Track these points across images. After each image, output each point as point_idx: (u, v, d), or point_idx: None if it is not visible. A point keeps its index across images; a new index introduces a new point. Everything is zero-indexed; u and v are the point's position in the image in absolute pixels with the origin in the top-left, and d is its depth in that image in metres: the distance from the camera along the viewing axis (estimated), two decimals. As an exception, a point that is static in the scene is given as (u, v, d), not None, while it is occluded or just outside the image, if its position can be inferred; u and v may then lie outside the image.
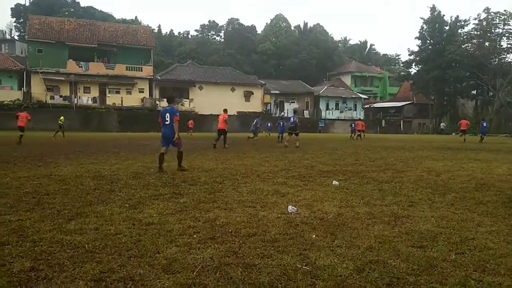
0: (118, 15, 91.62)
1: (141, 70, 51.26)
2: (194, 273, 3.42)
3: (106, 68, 49.87)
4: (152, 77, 51.89)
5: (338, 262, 3.73)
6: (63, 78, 47.47)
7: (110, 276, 3.36)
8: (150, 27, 67.91)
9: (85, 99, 48.56)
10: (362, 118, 64.31)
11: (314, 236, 4.56)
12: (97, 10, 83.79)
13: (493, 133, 51.19)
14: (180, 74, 55.30)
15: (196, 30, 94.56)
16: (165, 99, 51.15)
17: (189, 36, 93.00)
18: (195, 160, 12.87)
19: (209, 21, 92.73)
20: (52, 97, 46.76)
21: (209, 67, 61.74)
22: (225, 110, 20.44)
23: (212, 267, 3.57)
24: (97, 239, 4.34)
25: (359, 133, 34.17)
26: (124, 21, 78.30)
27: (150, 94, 52.17)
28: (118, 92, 50.24)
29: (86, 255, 3.85)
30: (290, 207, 5.86)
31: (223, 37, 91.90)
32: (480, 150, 19.71)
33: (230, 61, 74.69)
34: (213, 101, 52.40)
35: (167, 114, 10.04)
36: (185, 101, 53.00)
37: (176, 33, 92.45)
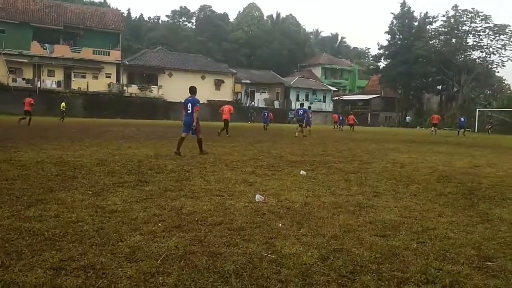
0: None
1: (109, 55, 49.93)
2: (158, 262, 3.36)
3: (72, 51, 48.29)
4: (120, 62, 50.65)
5: (303, 250, 3.75)
6: (26, 60, 45.67)
7: (70, 264, 3.26)
8: (119, 10, 66.18)
9: (49, 83, 46.94)
10: (331, 110, 65.23)
11: (280, 224, 4.57)
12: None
13: (455, 127, 52.88)
14: (149, 60, 54.22)
15: (167, 16, 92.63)
16: (132, 85, 50.50)
17: (160, 22, 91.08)
18: (162, 148, 12.69)
19: (181, 7, 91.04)
20: (14, 80, 44.94)
21: (179, 54, 60.76)
22: (229, 102, 21.67)
23: (176, 256, 3.52)
24: (57, 227, 4.20)
25: (350, 126, 35.60)
26: (92, 3, 75.96)
27: (118, 80, 50.97)
28: (84, 77, 48.81)
29: (45, 243, 3.72)
30: (257, 196, 5.86)
31: (194, 24, 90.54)
32: (443, 144, 20.33)
33: (201, 48, 73.77)
34: (182, 88, 50.89)
35: (189, 103, 11.01)
36: (154, 87, 52.11)
37: (146, 18, 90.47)
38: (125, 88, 50.50)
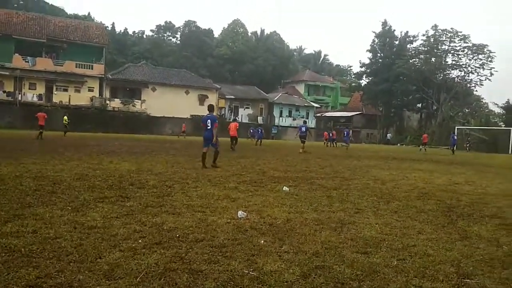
0: (70, 10, 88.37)
1: (92, 68, 49.52)
2: (137, 279, 3.31)
3: (55, 64, 47.73)
4: (103, 75, 50.26)
5: (285, 267, 3.74)
6: (7, 73, 44.92)
7: (46, 281, 3.19)
8: (104, 24, 65.87)
9: (30, 96, 46.19)
10: (313, 126, 65.74)
11: (262, 241, 4.56)
12: (48, 4, 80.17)
13: (435, 145, 53.79)
14: (133, 74, 53.96)
15: (151, 30, 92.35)
16: (115, 99, 50.14)
17: (144, 36, 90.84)
18: (144, 163, 12.57)
19: (166, 22, 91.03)
20: (-6, 92, 44.15)
21: (163, 69, 60.66)
22: (235, 120, 27.21)
23: (156, 273, 3.47)
24: (34, 243, 4.12)
25: (333, 142, 36.35)
26: (76, 16, 75.42)
27: (100, 93, 50.50)
28: (66, 90, 48.20)
29: (22, 260, 3.64)
30: (240, 212, 5.84)
31: (179, 39, 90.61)
32: (423, 161, 20.64)
33: (185, 63, 73.79)
34: (166, 103, 51.56)
35: (209, 120, 12.14)
36: (137, 102, 51.79)
37: (130, 32, 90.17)
38: (107, 102, 50.05)
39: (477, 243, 4.89)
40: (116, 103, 50.52)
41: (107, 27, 76.12)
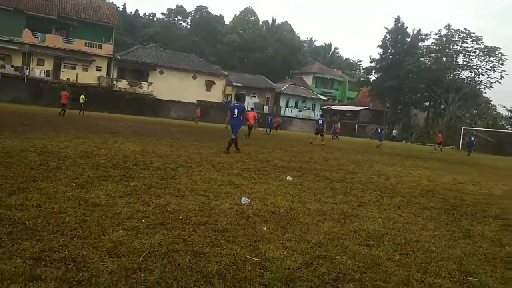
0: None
1: (101, 48, 49.40)
2: (141, 258, 3.32)
3: (64, 42, 47.60)
4: (111, 56, 50.15)
5: (287, 255, 3.74)
6: (16, 48, 44.89)
7: (50, 255, 3.21)
8: (115, 4, 65.81)
9: (38, 72, 46.17)
10: (319, 118, 65.46)
11: (265, 228, 4.56)
12: (59, -19, 79.83)
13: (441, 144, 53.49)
14: (142, 56, 53.80)
15: (162, 14, 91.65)
16: (123, 80, 50.11)
17: (155, 19, 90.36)
18: (149, 145, 12.58)
19: (177, 6, 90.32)
20: (3, 66, 44.16)
21: (172, 52, 60.38)
22: (253, 109, 27.61)
23: (159, 253, 3.48)
24: (39, 217, 4.13)
25: (336, 135, 36.50)
26: (87, -5, 75.09)
27: (108, 73, 50.45)
28: (74, 68, 48.17)
29: (26, 232, 3.66)
30: (243, 199, 5.84)
31: (189, 23, 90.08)
32: (427, 159, 20.56)
33: (194, 48, 73.45)
34: (173, 87, 51.45)
35: (236, 109, 12.96)
36: (144, 84, 51.70)
37: (141, 14, 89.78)
38: (115, 82, 50.01)
39: (480, 242, 4.88)
40: (123, 84, 50.47)
41: (118, 7, 75.82)
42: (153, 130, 20.81)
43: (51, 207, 4.53)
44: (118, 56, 51.23)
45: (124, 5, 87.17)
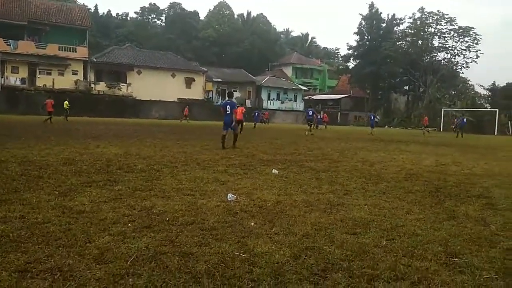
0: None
1: (75, 51, 48.57)
2: (128, 263, 3.29)
3: (37, 47, 46.65)
4: (87, 58, 49.36)
5: (276, 249, 3.76)
6: (-12, 56, 43.92)
7: (36, 266, 3.16)
8: (86, 6, 64.58)
9: (13, 80, 45.21)
10: (301, 109, 65.79)
11: (252, 223, 4.57)
12: (28, -15, 77.98)
13: (421, 127, 54.25)
14: (118, 57, 53.11)
15: (135, 12, 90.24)
16: (100, 82, 49.41)
17: (128, 18, 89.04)
18: (132, 147, 12.46)
19: (150, 4, 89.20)
20: (-25, 76, 43.16)
21: (148, 51, 59.73)
22: (242, 105, 26.97)
23: (147, 256, 3.46)
24: (22, 228, 4.07)
25: (324, 124, 36.71)
26: (58, -2, 73.67)
27: (85, 77, 49.68)
28: (49, 73, 47.30)
29: (10, 245, 3.59)
30: (229, 195, 5.83)
31: (164, 21, 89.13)
32: (410, 143, 20.84)
33: (170, 46, 72.74)
34: (152, 86, 50.97)
35: (228, 106, 13.29)
36: (122, 85, 51.07)
37: (114, 14, 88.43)
38: (92, 85, 49.30)
39: (465, 223, 4.97)
40: (101, 87, 49.79)
41: (90, 9, 74.57)
42: (135, 131, 20.61)
43: (34, 217, 4.46)
44: (94, 59, 50.49)
45: (96, 6, 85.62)
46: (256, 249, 3.72)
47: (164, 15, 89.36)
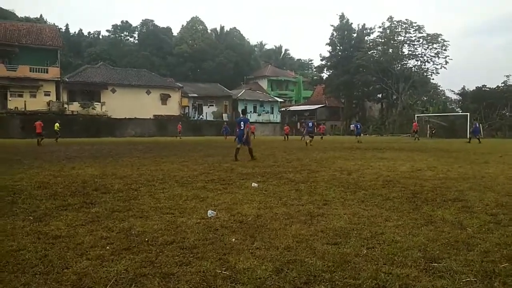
0: (21, 13, 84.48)
1: (47, 72, 47.83)
2: (107, 287, 3.22)
3: (8, 70, 45.77)
4: (59, 79, 48.65)
5: (258, 264, 3.74)
6: (-43, 80, 42.77)
7: (10, 297, 3.05)
8: (57, 26, 63.70)
9: (-17, 103, 44.19)
10: (278, 121, 66.19)
11: (233, 239, 4.54)
12: (-4, 7, 76.67)
13: (396, 133, 55.34)
14: (91, 76, 52.55)
15: (107, 31, 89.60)
16: (74, 102, 48.70)
17: (100, 37, 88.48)
18: (108, 167, 12.26)
19: (122, 22, 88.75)
20: None
21: (122, 69, 59.33)
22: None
23: (127, 280, 3.39)
24: (-4, 257, 3.93)
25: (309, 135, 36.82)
26: (27, 19, 72.57)
27: (57, 97, 48.90)
28: (21, 96, 46.40)
29: (-17, 276, 3.46)
30: (209, 212, 5.79)
31: (137, 38, 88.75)
32: (386, 150, 21.17)
33: (145, 63, 72.44)
34: (127, 104, 50.54)
35: (241, 122, 14.86)
36: (97, 104, 50.44)
37: (85, 33, 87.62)
38: (66, 106, 48.52)
39: (442, 227, 5.05)
40: (75, 107, 49.07)
41: (61, 29, 73.75)
42: (111, 150, 20.31)
43: (9, 245, 4.32)
44: (66, 79, 49.85)
45: (67, 25, 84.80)
46: (238, 266, 3.69)
47: (136, 32, 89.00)
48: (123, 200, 6.89)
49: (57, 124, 32.80)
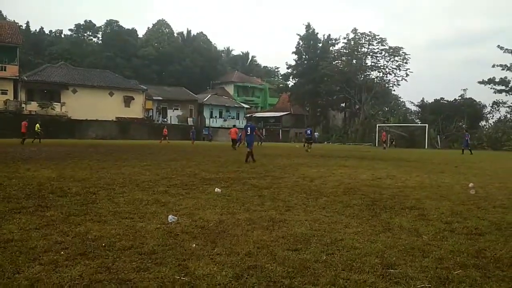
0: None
1: (5, 70, 45.95)
2: (60, 294, 3.10)
3: (-38, 67, 43.72)
4: (17, 77, 46.83)
5: (218, 270, 3.70)
6: None
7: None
8: (17, 23, 61.37)
9: None
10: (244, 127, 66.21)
11: (194, 245, 4.48)
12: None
13: (359, 142, 56.60)
14: (51, 75, 50.85)
15: (70, 30, 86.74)
16: (32, 102, 46.99)
17: (62, 36, 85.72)
18: (66, 169, 11.86)
19: (85, 21, 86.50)
20: None
21: (84, 69, 57.75)
22: (234, 126, 34.50)
23: (81, 286, 3.27)
24: None
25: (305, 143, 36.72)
26: (-16, 14, 69.57)
27: (15, 96, 47.02)
28: (-24, 93, 44.37)
29: None
30: (170, 217, 5.70)
31: (100, 38, 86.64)
32: (348, 158, 21.58)
33: (108, 64, 70.83)
34: (88, 105, 49.21)
35: (249, 128, 16.45)
36: (56, 104, 48.83)
37: (47, 32, 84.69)
38: (23, 105, 46.71)
39: (399, 234, 5.18)
40: (33, 106, 47.32)
41: (21, 26, 71.14)
42: (70, 152, 19.66)
43: (-45, 249, 4.09)
44: (25, 77, 48.05)
45: (28, 23, 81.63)
46: (197, 272, 3.64)
47: (100, 33, 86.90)
48: (80, 203, 6.68)
49: (37, 125, 32.56)
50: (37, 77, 49.54)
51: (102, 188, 8.40)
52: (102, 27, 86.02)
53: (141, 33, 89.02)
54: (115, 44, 78.76)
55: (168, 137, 41.82)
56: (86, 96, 50.62)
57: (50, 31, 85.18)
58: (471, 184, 10.11)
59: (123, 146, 29.68)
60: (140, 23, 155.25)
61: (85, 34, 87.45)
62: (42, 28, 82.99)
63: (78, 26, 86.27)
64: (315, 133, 70.32)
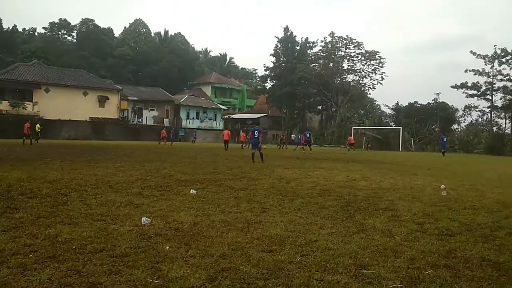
0: None
1: (-26, 67, 44.56)
2: (27, 299, 3.00)
3: None
4: (-13, 75, 45.48)
5: (191, 272, 3.66)
6: None
7: None
8: (-13, 19, 59.60)
9: None
10: (222, 128, 66.08)
11: (167, 247, 4.42)
12: None
13: (334, 144, 57.20)
14: (23, 74, 49.52)
15: (44, 28, 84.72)
16: (3, 101, 45.69)
17: (36, 34, 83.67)
18: (36, 170, 11.56)
19: (60, 19, 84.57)
20: None
21: (58, 68, 56.42)
22: (227, 128, 35.99)
23: (49, 290, 3.18)
24: None
25: (304, 145, 36.29)
26: (-48, 9, 67.27)
27: (-15, 95, 45.67)
28: None
29: None
30: (143, 219, 5.61)
31: (75, 37, 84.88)
32: (324, 160, 21.77)
33: (83, 63, 69.47)
34: (62, 105, 48.12)
35: (256, 131, 17.79)
36: (28, 104, 47.59)
37: (20, 29, 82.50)
38: (-6, 104, 45.37)
39: (372, 235, 5.24)
40: (4, 106, 46.00)
41: (-8, 22, 69.06)
42: (41, 153, 19.19)
43: None
44: (-5, 76, 46.60)
45: (0, 20, 79.38)
46: (171, 274, 3.60)
47: (75, 31, 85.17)
48: (50, 205, 6.51)
49: (38, 125, 33.50)
50: (9, 76, 48.18)
51: (73, 189, 8.22)
52: (77, 25, 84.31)
53: (117, 32, 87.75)
54: (91, 43, 77.35)
55: (165, 139, 41.54)
56: (60, 96, 49.51)
57: (24, 29, 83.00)
58: (442, 186, 10.35)
59: (96, 146, 29.16)
60: (116, 22, 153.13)
61: (60, 33, 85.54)
62: (15, 26, 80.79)
63: (52, 24, 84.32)
64: (292, 135, 71.07)
